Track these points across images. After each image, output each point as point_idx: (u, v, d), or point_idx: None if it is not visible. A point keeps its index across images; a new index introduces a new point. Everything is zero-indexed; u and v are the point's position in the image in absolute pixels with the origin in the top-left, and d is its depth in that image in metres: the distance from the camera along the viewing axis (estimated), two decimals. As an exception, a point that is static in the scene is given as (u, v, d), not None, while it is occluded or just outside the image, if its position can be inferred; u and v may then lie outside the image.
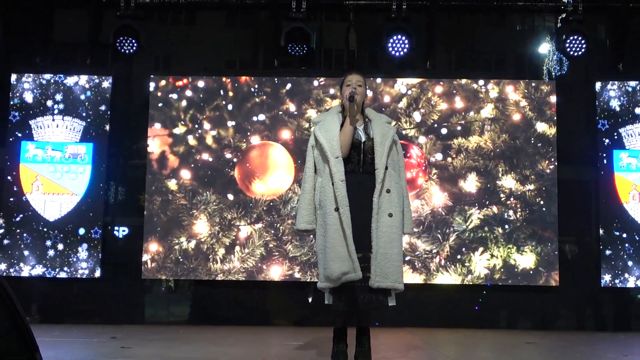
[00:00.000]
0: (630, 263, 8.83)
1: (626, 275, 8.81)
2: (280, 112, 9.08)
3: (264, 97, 9.11)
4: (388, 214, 4.66)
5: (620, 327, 8.90)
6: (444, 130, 9.01)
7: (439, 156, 8.96)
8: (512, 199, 8.90)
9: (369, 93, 8.85)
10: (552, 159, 8.94)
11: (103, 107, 9.13)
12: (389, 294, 4.70)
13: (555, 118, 9.04)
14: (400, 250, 4.72)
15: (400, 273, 4.68)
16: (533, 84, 9.15)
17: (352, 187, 4.67)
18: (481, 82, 9.10)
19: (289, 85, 9.13)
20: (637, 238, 8.87)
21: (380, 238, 4.61)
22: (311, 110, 9.03)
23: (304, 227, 4.84)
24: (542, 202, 8.89)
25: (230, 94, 9.13)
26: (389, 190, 4.71)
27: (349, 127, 4.78)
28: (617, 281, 8.82)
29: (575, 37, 8.77)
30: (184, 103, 9.10)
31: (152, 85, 9.16)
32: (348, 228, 4.56)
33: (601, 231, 8.90)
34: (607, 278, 8.82)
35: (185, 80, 9.15)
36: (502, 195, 8.90)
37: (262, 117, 9.07)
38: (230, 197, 8.94)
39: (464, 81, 9.12)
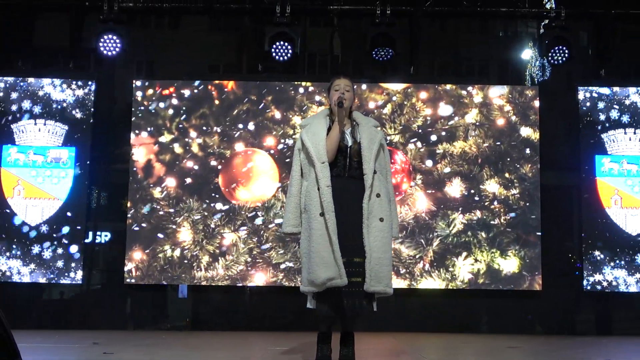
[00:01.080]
0: (612, 268, 8.87)
1: (608, 279, 8.86)
2: (265, 120, 9.04)
3: (249, 104, 9.07)
4: (379, 218, 4.65)
5: (602, 331, 8.95)
6: (427, 136, 9.02)
7: (423, 161, 8.97)
8: (495, 203, 8.93)
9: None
10: (536, 163, 8.97)
11: (85, 111, 9.07)
12: (372, 299, 4.69)
13: (538, 123, 9.08)
14: (391, 254, 4.72)
15: (391, 277, 4.69)
16: (518, 88, 9.18)
17: (337, 191, 4.65)
18: (469, 88, 9.10)
19: (273, 92, 9.10)
20: (620, 243, 8.92)
21: (373, 243, 4.60)
22: (296, 117, 9.01)
23: (289, 231, 4.83)
24: (525, 206, 8.92)
25: (216, 102, 9.08)
26: (379, 195, 4.69)
27: (337, 133, 4.74)
28: (599, 286, 8.86)
29: (558, 47, 8.79)
30: (170, 111, 9.04)
31: (139, 94, 9.07)
32: (334, 234, 4.54)
33: (584, 236, 8.95)
34: (589, 282, 8.86)
35: (171, 89, 9.09)
36: (485, 200, 8.92)
37: (246, 124, 9.04)
38: (214, 204, 8.90)
39: (448, 86, 9.14)
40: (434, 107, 9.08)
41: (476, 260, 8.83)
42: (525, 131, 9.05)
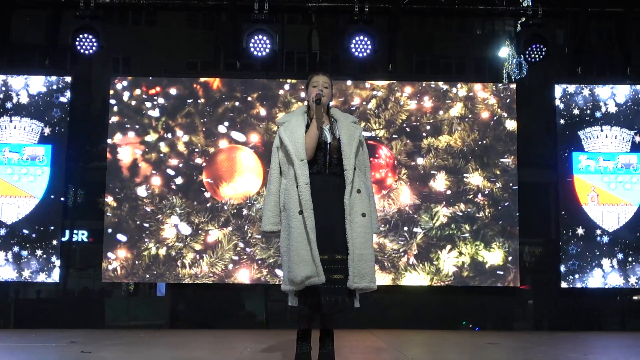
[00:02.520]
0: (589, 264, 8.94)
1: (585, 276, 8.93)
2: (249, 116, 9.02)
3: (231, 101, 9.03)
4: (361, 214, 4.65)
5: (579, 327, 9.02)
6: (412, 130, 9.03)
7: (408, 156, 8.98)
8: (479, 196, 8.96)
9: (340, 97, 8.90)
10: (516, 156, 9.04)
11: (62, 109, 8.98)
12: (354, 296, 4.68)
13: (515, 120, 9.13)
14: (373, 250, 4.70)
15: (374, 273, 4.67)
16: (498, 85, 9.22)
17: (318, 188, 4.63)
18: (457, 85, 9.12)
19: (254, 89, 9.07)
20: (596, 239, 8.99)
21: (356, 239, 4.58)
22: (281, 113, 8.99)
23: (269, 229, 4.80)
24: (508, 199, 8.95)
25: (197, 98, 9.03)
26: (359, 191, 4.68)
27: (315, 131, 4.72)
28: (576, 282, 8.93)
29: (535, 41, 8.84)
30: (150, 109, 8.97)
31: (115, 91, 8.99)
32: (312, 232, 4.52)
33: (561, 233, 9.01)
34: (567, 279, 8.93)
35: (158, 88, 9.02)
36: (470, 193, 8.95)
37: (230, 121, 9.01)
38: (198, 201, 8.85)
39: (416, 101, 9.14)
40: (419, 102, 9.09)
41: (460, 254, 8.87)
42: (510, 124, 9.07)
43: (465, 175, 8.99)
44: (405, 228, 8.90)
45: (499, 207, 8.97)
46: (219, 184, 8.89)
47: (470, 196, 8.99)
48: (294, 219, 4.56)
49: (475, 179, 9.00)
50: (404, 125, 9.05)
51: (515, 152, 9.04)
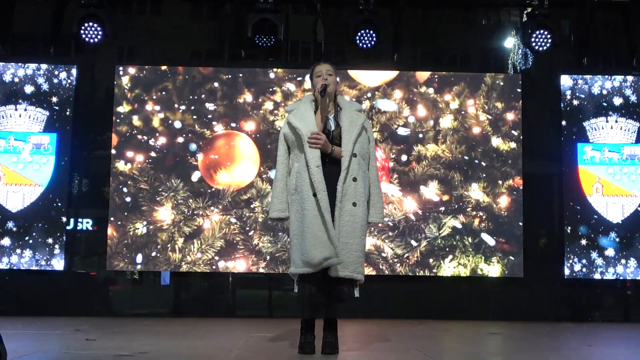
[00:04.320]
0: (593, 255, 8.95)
1: (589, 267, 8.93)
2: (252, 105, 9.02)
3: (233, 89, 9.05)
4: (352, 202, 4.65)
5: (582, 318, 9.02)
6: (403, 133, 9.02)
7: (401, 159, 8.98)
8: (485, 184, 8.95)
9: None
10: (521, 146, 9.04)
11: (67, 97, 8.99)
12: (355, 285, 4.70)
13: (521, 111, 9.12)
14: (362, 240, 4.70)
15: (361, 264, 4.67)
16: (500, 76, 9.21)
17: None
18: (447, 96, 9.11)
19: (261, 79, 9.08)
20: (601, 230, 8.99)
21: (343, 227, 4.60)
22: (274, 99, 9.00)
23: (277, 216, 4.83)
24: (513, 189, 8.96)
25: (200, 86, 9.05)
26: (355, 179, 4.68)
27: (319, 121, 4.76)
28: (580, 273, 8.93)
29: (541, 31, 8.82)
30: (153, 97, 8.99)
31: (120, 80, 9.01)
32: (327, 213, 4.55)
33: (565, 223, 9.01)
34: (570, 270, 8.93)
35: (162, 77, 9.04)
36: (469, 206, 8.96)
37: (228, 108, 9.02)
38: (195, 187, 8.87)
39: (423, 89, 9.10)
40: (413, 110, 9.06)
41: (464, 246, 8.88)
42: (514, 115, 9.07)
43: (461, 186, 9.00)
44: (412, 235, 8.91)
45: (503, 198, 8.97)
46: (217, 171, 8.90)
47: (476, 185, 8.98)
48: (308, 202, 4.59)
49: (475, 193, 8.98)
50: (397, 130, 9.04)
51: (520, 142, 9.03)
